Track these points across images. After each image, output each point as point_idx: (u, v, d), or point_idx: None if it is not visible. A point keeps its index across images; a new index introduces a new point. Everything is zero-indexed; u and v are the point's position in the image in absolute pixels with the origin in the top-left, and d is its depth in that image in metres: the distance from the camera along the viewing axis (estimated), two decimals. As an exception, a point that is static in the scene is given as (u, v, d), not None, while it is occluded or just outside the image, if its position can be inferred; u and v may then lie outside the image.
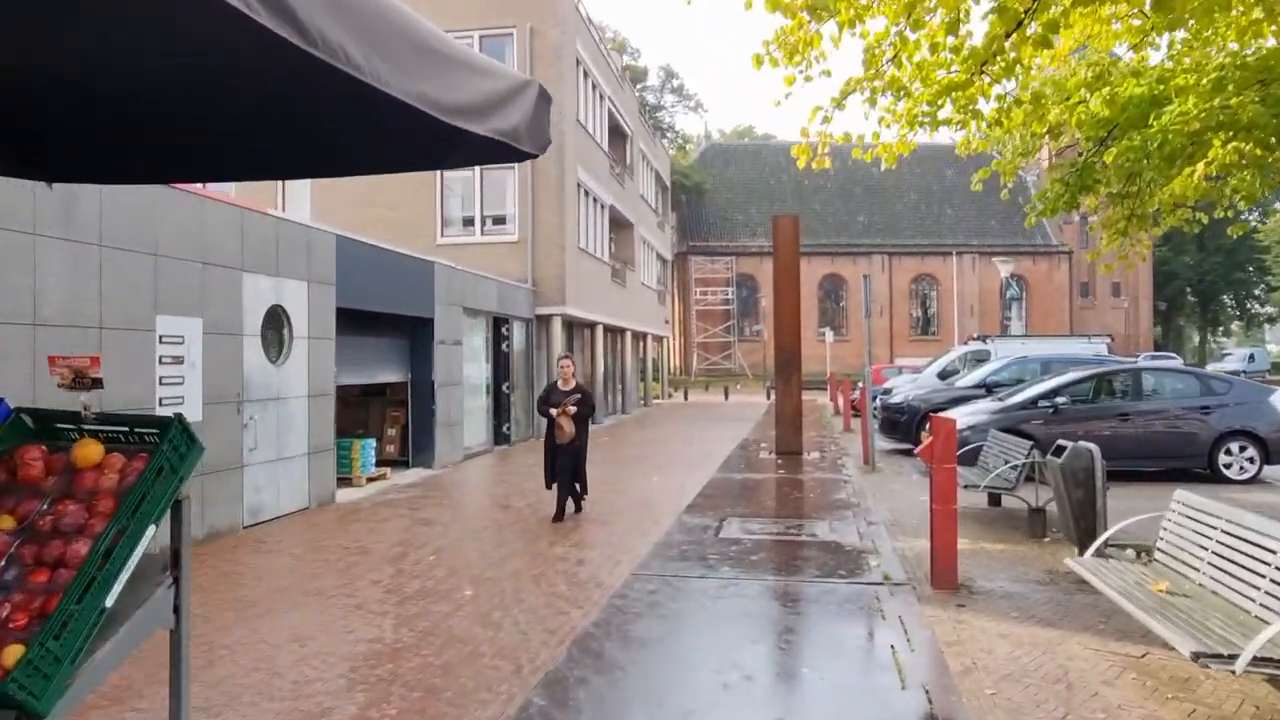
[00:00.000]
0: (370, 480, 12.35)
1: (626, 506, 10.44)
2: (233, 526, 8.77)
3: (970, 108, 7.14)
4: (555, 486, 9.56)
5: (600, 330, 24.21)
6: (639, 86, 60.36)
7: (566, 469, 9.47)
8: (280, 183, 20.69)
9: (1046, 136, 9.44)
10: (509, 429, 17.92)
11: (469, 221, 20.38)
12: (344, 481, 12.05)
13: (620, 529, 9.12)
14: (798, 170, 62.14)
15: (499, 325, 17.67)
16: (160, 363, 7.81)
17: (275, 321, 9.65)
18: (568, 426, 9.38)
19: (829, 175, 63.19)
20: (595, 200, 23.20)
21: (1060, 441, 8.03)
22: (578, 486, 9.69)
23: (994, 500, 10.05)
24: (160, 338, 7.82)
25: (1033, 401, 12.70)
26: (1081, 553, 6.46)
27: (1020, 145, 9.98)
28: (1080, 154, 9.79)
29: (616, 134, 27.86)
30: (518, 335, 18.81)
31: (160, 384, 7.80)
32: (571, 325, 23.02)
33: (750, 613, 6.07)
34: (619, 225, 28.43)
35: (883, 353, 57.16)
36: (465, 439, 15.39)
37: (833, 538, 8.44)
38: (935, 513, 6.58)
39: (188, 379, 8.15)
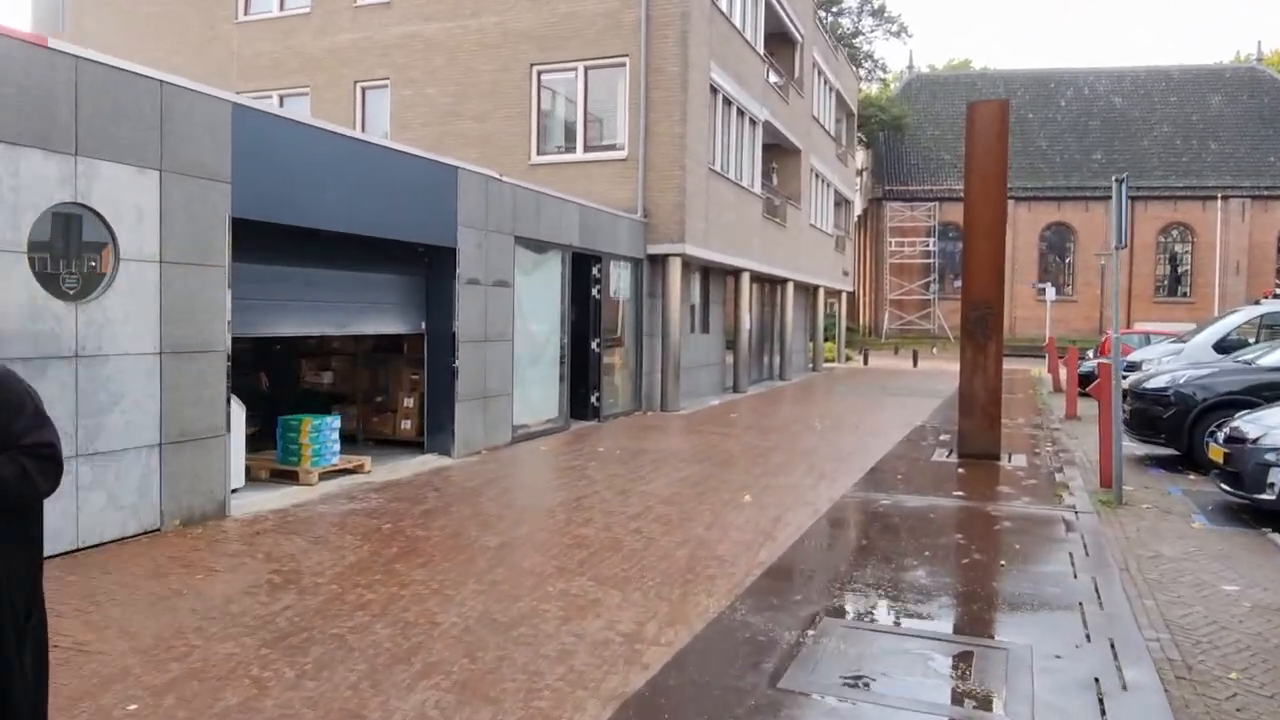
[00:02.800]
0: (334, 474, 8.62)
1: (654, 562, 6.01)
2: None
3: None
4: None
5: (746, 279, 19.50)
6: (831, 6, 53.73)
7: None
8: (359, 95, 17.46)
9: None
10: (597, 399, 13.78)
11: (570, 135, 16.24)
12: (287, 478, 8.37)
13: (588, 643, 4.72)
14: (1020, 101, 53.54)
15: (583, 264, 13.48)
16: None
17: (70, 232, 5.92)
18: None
19: (1059, 106, 54.08)
20: (739, 111, 18.37)
21: None
22: None
23: None
24: None
25: None
26: None
27: None
28: None
29: (781, 39, 22.69)
30: (618, 278, 14.55)
31: None
32: (707, 272, 18.49)
33: None
34: (781, 152, 23.38)
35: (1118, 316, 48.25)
36: (518, 413, 11.40)
37: (1037, 726, 3.64)
38: None
39: None
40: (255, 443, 8.64)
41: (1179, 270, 50.83)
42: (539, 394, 12.12)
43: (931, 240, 51.00)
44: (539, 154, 16.20)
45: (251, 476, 8.34)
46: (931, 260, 51.02)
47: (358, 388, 10.83)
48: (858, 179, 43.91)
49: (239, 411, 7.54)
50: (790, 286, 23.74)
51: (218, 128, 6.87)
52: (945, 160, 53.58)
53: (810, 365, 28.28)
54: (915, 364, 30.81)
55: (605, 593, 5.36)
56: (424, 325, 10.09)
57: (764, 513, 7.63)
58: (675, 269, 15.51)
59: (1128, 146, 52.36)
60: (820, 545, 6.54)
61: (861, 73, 51.76)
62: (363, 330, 9.20)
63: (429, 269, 10.09)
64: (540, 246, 11.98)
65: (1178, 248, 50.58)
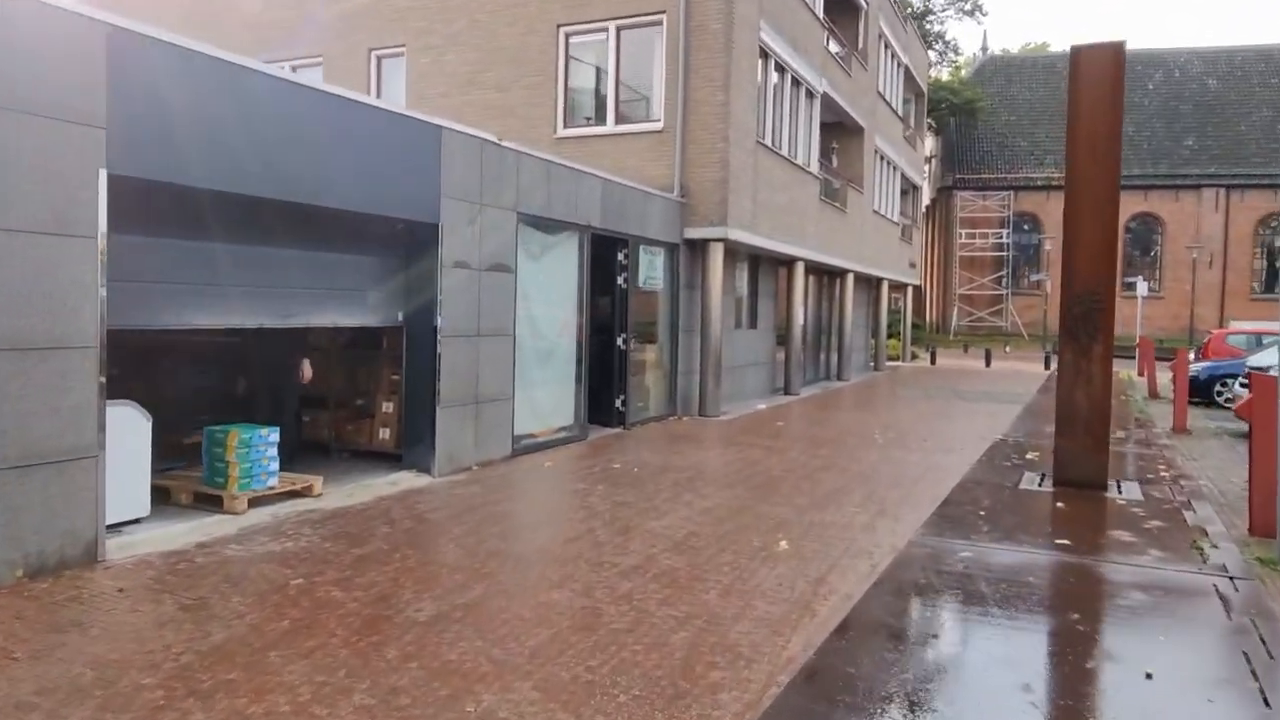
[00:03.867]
0: (272, 499, 7.02)
1: (636, 658, 4.21)
2: None
3: None
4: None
5: (801, 270, 17.51)
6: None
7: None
8: (373, 64, 15.97)
9: None
10: (623, 403, 12.00)
11: (600, 105, 14.47)
12: (211, 503, 6.78)
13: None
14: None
15: (607, 248, 11.72)
16: None
17: None
18: None
19: (1147, 90, 50.38)
20: (794, 80, 16.38)
21: None
22: None
23: None
24: None
25: None
26: None
27: None
28: None
29: (843, 5, 20.56)
30: (650, 265, 12.74)
31: None
32: (756, 261, 16.57)
33: None
34: (842, 131, 21.28)
35: (1209, 314, 44.70)
36: (521, 421, 9.70)
37: None
38: None
39: None
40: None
41: (1278, 265, 46.89)
42: (549, 398, 10.40)
43: (1005, 232, 47.96)
44: (566, 126, 14.47)
45: (172, 500, 6.80)
46: (1005, 253, 47.98)
47: (331, 390, 9.24)
48: (926, 166, 41.29)
49: (136, 422, 5.97)
50: (850, 278, 21.63)
51: (87, 57, 5.27)
52: (1021, 147, 50.43)
53: (872, 364, 26.09)
54: (988, 364, 28.34)
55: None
56: (401, 317, 8.44)
57: (804, 568, 5.77)
58: (717, 256, 13.64)
59: (1222, 132, 48.56)
60: (877, 630, 4.66)
61: (931, 55, 48.85)
62: (316, 321, 7.56)
63: (407, 250, 8.44)
64: (552, 226, 10.24)
65: (1278, 241, 46.65)
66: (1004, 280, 48.09)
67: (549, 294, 10.36)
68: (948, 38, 54.95)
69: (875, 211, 23.06)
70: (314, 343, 9.29)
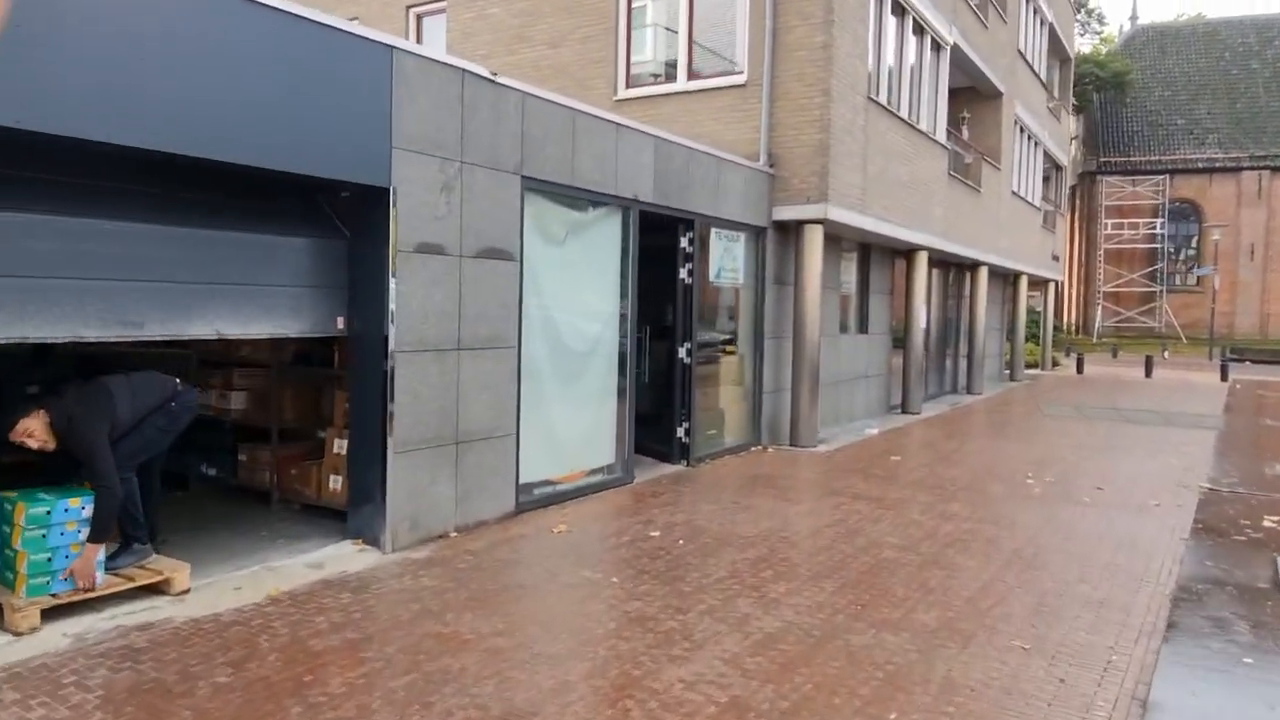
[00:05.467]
0: (104, 602, 4.61)
1: None
2: None
3: None
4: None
5: (923, 261, 14.31)
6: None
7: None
8: (412, 23, 13.74)
9: None
10: (686, 431, 9.24)
11: (670, 59, 11.72)
12: (-13, 613, 4.43)
13: None
14: (1278, 54, 44.08)
15: (665, 231, 9.01)
16: None
17: None
18: None
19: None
20: (915, 23, 13.19)
21: None
22: None
23: None
24: None
25: None
26: None
27: None
28: None
29: (978, -56, 17.12)
30: (725, 254, 9.93)
31: None
32: (867, 250, 13.52)
33: None
34: (975, 97, 17.83)
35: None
36: (532, 463, 7.09)
37: None
38: None
39: None
40: None
41: None
42: (576, 431, 7.75)
43: (1159, 221, 42.45)
44: (628, 86, 11.81)
45: (-46, 600, 4.48)
46: (1159, 245, 42.47)
47: (275, 419, 6.87)
48: (1070, 145, 36.67)
49: None
50: (984, 273, 18.16)
51: None
52: (1177, 126, 44.66)
53: (1008, 373, 22.38)
54: (1149, 373, 24.09)
55: None
56: (342, 322, 5.96)
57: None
58: (814, 242, 10.69)
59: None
60: None
61: (1075, 25, 43.72)
62: (191, 330, 5.11)
63: (354, 228, 5.95)
64: (579, 198, 7.58)
65: None
66: (1157, 275, 42.63)
67: (577, 291, 7.71)
68: (1091, 7, 49.31)
69: (1014, 193, 19.44)
70: (245, 356, 6.97)
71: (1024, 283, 22.00)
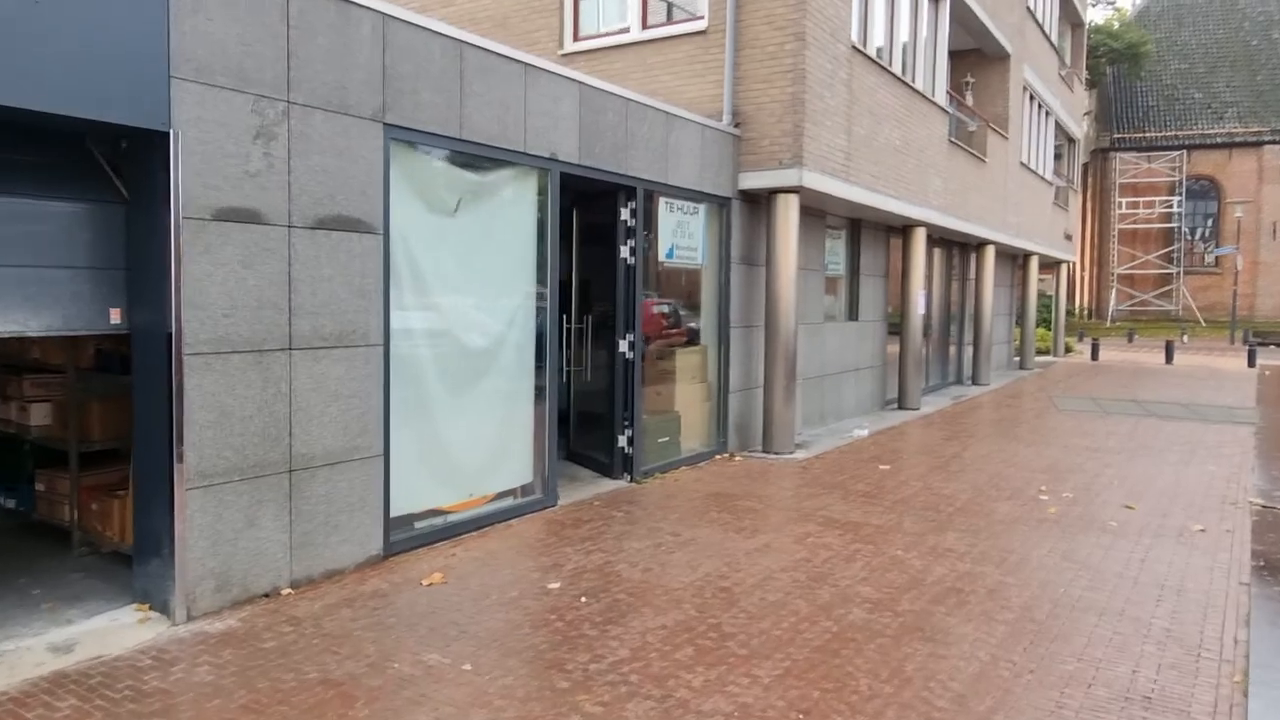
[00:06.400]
0: None
1: None
2: None
3: None
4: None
5: (921, 238, 12.73)
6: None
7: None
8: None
9: None
10: (629, 440, 7.72)
11: (621, 5, 10.14)
12: None
13: None
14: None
15: (601, 201, 7.48)
16: None
17: None
18: None
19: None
20: (912, -30, 11.58)
21: None
22: None
23: None
24: None
25: None
26: None
27: None
28: None
29: (982, -112, 15.43)
30: (682, 229, 8.38)
31: None
32: (856, 225, 11.98)
33: None
34: (980, 60, 16.20)
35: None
36: (406, 492, 5.59)
37: None
38: None
39: None
40: None
41: None
42: (477, 445, 6.24)
43: (1175, 199, 40.59)
44: (576, 38, 10.25)
45: None
46: (1175, 224, 40.61)
47: (78, 438, 5.37)
48: (1083, 120, 34.84)
49: None
50: (990, 253, 16.56)
51: None
52: (1195, 100, 42.70)
53: (1018, 360, 20.78)
54: (1169, 359, 22.43)
55: None
56: (118, 315, 4.45)
57: None
58: (789, 215, 9.13)
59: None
60: None
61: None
62: None
63: (133, 187, 4.44)
64: (475, 157, 6.04)
65: None
66: (1174, 256, 40.80)
67: (476, 272, 6.19)
68: (1104, -24, 47.32)
69: (1023, 164, 17.79)
70: (36, 358, 5.52)
71: (1034, 264, 20.36)
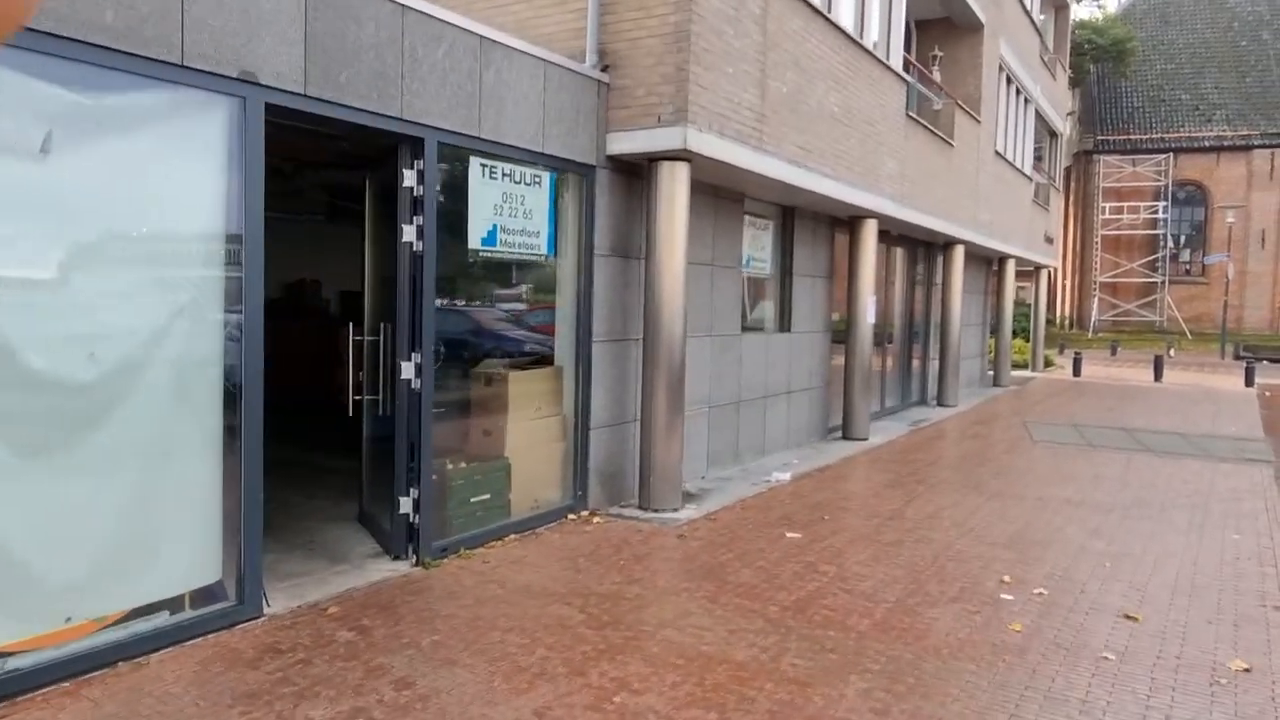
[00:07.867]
0: None
1: None
2: None
3: None
4: None
5: (871, 232, 10.45)
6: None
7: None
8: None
9: None
10: (416, 506, 5.34)
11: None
12: None
13: None
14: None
15: (367, 155, 5.12)
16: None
17: None
18: None
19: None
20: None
21: None
22: None
23: None
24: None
25: None
26: None
27: None
28: None
29: None
30: (510, 204, 6.01)
31: None
32: (789, 214, 9.71)
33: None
34: (950, 30, 13.98)
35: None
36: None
37: None
38: None
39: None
40: None
41: None
42: (85, 536, 3.84)
43: (1161, 205, 38.62)
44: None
45: None
46: (1160, 231, 38.64)
47: None
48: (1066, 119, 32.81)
49: None
50: (959, 253, 14.33)
51: None
52: (1182, 101, 40.79)
53: (992, 377, 18.58)
54: (1158, 375, 20.27)
55: None
56: None
57: None
58: (675, 190, 6.76)
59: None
60: None
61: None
62: None
63: None
64: (80, 63, 3.65)
65: None
66: (1159, 264, 38.85)
67: (89, 251, 3.80)
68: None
69: (998, 154, 15.57)
70: None
71: (1010, 268, 18.16)
